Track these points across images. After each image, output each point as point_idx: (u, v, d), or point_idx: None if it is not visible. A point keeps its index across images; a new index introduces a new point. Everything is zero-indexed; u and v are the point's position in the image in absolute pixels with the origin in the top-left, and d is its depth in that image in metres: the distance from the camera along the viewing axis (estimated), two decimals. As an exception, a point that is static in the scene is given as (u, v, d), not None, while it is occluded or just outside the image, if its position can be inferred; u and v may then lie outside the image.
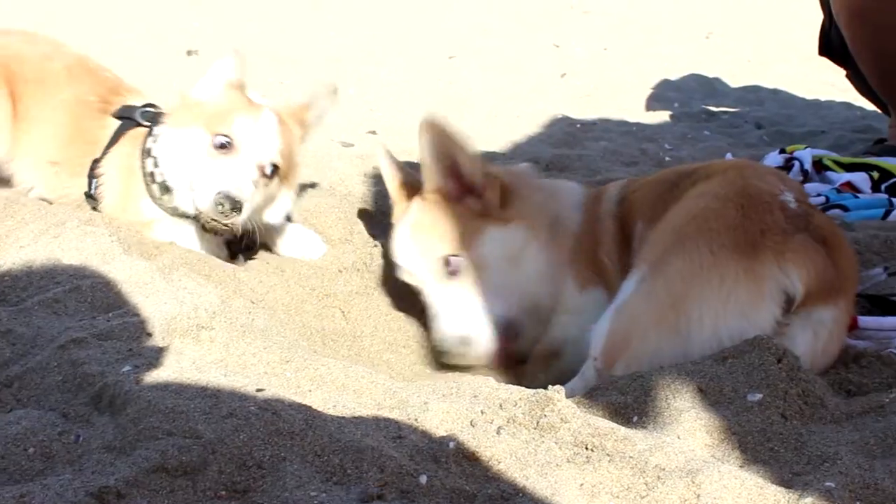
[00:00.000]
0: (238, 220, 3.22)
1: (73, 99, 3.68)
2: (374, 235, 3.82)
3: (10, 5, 11.21)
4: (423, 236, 3.22)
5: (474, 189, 3.19)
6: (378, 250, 3.69)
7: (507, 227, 3.18)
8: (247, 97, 3.38)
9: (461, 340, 3.12)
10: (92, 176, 3.56)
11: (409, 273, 3.26)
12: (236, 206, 3.16)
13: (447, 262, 3.16)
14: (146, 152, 3.46)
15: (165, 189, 3.40)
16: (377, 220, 4.02)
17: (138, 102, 3.67)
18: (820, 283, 2.50)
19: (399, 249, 3.27)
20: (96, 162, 3.56)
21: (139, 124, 3.56)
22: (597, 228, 3.19)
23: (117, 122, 3.60)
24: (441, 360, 3.18)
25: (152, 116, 3.54)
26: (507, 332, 3.16)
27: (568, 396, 2.26)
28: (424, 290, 3.24)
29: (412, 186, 3.38)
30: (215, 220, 3.30)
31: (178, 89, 3.48)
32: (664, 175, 3.25)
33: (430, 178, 3.22)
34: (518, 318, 3.17)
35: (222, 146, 3.24)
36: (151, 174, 3.42)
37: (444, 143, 3.17)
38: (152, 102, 3.68)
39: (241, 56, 3.42)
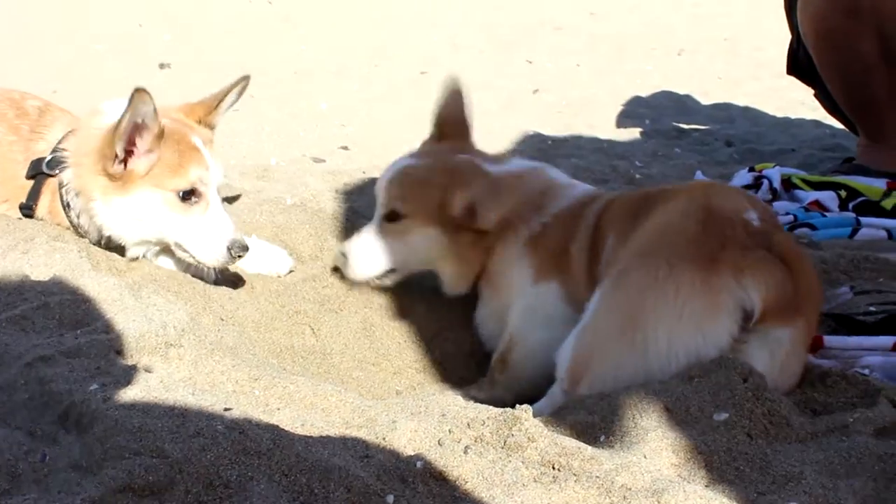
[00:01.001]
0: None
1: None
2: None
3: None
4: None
5: None
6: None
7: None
8: (161, 129, 3.30)
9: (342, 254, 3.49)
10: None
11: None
12: (246, 247, 3.28)
13: (395, 216, 3.37)
14: (66, 206, 3.46)
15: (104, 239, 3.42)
16: (348, 236, 4.02)
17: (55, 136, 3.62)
18: (778, 301, 2.48)
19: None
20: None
21: (50, 175, 3.52)
22: (576, 224, 3.20)
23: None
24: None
25: (57, 164, 3.49)
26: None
27: (535, 416, 2.27)
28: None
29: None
30: (225, 268, 3.36)
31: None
32: (640, 192, 3.27)
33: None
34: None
35: (187, 198, 3.29)
36: (77, 227, 3.46)
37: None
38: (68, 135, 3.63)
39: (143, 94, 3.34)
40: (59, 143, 3.52)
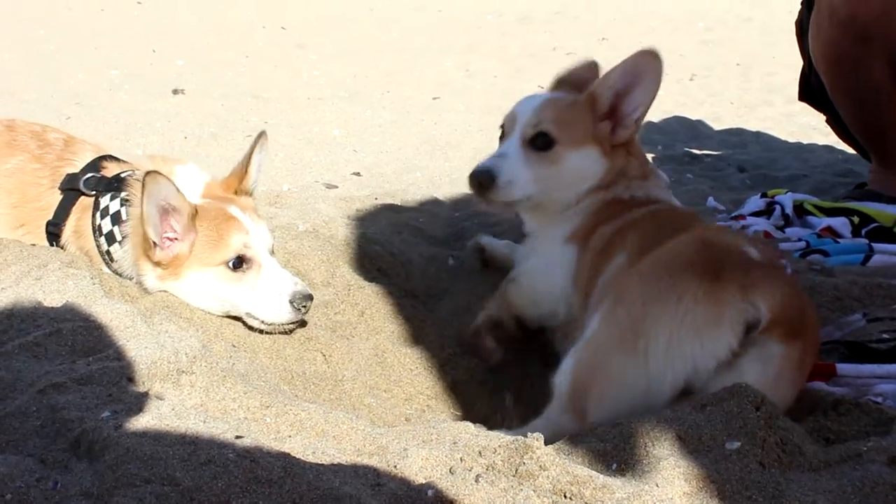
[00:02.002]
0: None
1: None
2: (356, 278, 3.82)
3: (3, 45, 11.25)
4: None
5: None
6: (361, 292, 3.69)
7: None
8: (193, 208, 3.35)
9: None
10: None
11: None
12: (310, 296, 3.35)
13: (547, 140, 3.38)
14: (98, 230, 3.50)
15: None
16: (359, 262, 4.02)
17: (84, 161, 3.70)
18: (786, 315, 2.51)
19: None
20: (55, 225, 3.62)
21: (84, 194, 3.59)
22: (616, 213, 3.29)
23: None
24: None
25: (96, 184, 3.57)
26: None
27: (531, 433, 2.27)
28: None
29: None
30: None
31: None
32: (663, 215, 3.27)
33: None
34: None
35: (238, 267, 3.34)
36: (108, 252, 3.48)
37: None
38: (98, 160, 3.69)
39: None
40: (100, 167, 3.61)
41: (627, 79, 3.34)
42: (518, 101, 3.53)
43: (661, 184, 3.49)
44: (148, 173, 3.22)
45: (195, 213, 3.29)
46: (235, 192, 3.58)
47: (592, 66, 3.74)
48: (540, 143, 3.35)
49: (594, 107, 3.37)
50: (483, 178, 3.31)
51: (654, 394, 2.51)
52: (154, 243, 3.29)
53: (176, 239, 3.30)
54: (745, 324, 2.49)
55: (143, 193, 3.20)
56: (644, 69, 3.33)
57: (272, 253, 3.45)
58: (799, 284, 2.81)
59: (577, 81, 3.63)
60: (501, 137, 3.50)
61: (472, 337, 3.48)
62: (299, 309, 3.30)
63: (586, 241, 3.29)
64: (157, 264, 3.33)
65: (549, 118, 3.35)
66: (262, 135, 3.67)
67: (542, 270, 3.40)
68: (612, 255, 3.06)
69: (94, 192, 3.53)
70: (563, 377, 2.72)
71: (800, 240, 4.45)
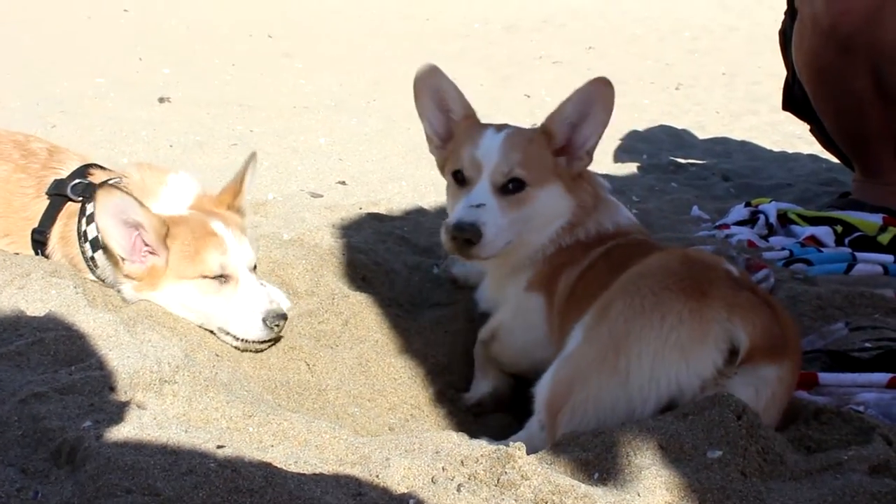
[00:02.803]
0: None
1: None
2: (340, 287, 3.82)
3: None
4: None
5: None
6: (345, 301, 3.68)
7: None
8: (161, 221, 3.33)
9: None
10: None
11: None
12: (283, 316, 3.34)
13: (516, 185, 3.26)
14: (83, 236, 3.49)
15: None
16: (344, 271, 4.02)
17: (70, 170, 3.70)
18: (766, 340, 2.48)
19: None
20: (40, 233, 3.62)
21: (71, 199, 3.59)
22: (576, 256, 3.25)
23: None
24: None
25: (83, 190, 3.57)
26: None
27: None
28: None
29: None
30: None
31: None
32: (631, 247, 3.25)
33: None
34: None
35: (221, 280, 3.34)
36: (93, 258, 3.47)
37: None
38: (86, 167, 3.70)
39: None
40: (87, 174, 3.62)
41: (581, 109, 3.28)
42: (475, 142, 3.33)
43: (616, 208, 3.45)
44: (101, 186, 3.22)
45: (165, 228, 3.27)
46: (228, 208, 3.58)
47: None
48: (512, 188, 3.24)
49: (550, 142, 3.31)
50: (472, 234, 3.13)
51: (634, 413, 2.48)
52: (122, 258, 3.29)
53: (152, 252, 3.30)
54: (730, 342, 2.47)
55: (95, 207, 3.20)
56: (597, 98, 3.27)
57: (254, 269, 3.45)
58: (776, 301, 2.78)
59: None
60: (462, 181, 3.33)
61: (473, 408, 3.37)
62: (272, 328, 3.29)
63: (551, 287, 3.26)
64: (128, 276, 3.34)
65: (518, 161, 3.23)
66: (252, 156, 3.69)
67: (518, 323, 3.37)
68: (582, 302, 2.97)
69: (80, 199, 3.53)
70: (541, 392, 2.71)
71: (783, 249, 4.48)
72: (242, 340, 3.30)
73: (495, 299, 3.50)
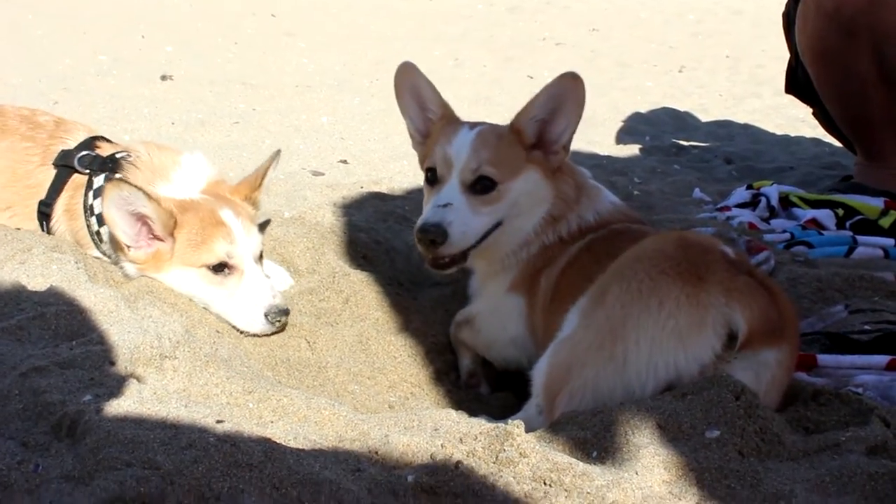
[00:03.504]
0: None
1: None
2: (341, 265, 3.83)
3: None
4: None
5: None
6: (346, 279, 3.69)
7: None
8: (169, 211, 3.31)
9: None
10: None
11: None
12: (286, 311, 3.33)
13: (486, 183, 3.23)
14: (89, 209, 3.49)
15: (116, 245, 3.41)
16: (345, 249, 4.03)
17: (78, 140, 3.70)
18: (764, 324, 2.48)
19: None
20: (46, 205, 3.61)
21: (78, 171, 3.59)
22: (556, 255, 3.24)
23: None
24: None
25: (90, 163, 3.56)
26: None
27: None
28: None
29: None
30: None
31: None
32: (615, 233, 3.24)
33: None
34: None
35: (219, 271, 3.33)
36: (98, 233, 3.47)
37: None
38: (93, 139, 3.70)
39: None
40: (94, 147, 3.63)
41: (550, 105, 3.24)
42: (448, 140, 3.30)
43: (599, 195, 3.42)
44: (108, 182, 3.22)
45: (173, 220, 3.26)
46: (244, 199, 3.57)
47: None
48: (480, 186, 3.20)
49: (521, 139, 3.27)
50: (436, 235, 3.12)
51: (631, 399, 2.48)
52: (127, 245, 3.29)
53: (157, 238, 3.30)
54: (728, 327, 2.46)
55: (103, 199, 3.20)
56: (565, 94, 3.22)
57: (260, 259, 3.44)
58: (774, 284, 2.75)
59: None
60: (433, 181, 3.32)
61: (468, 382, 3.44)
62: (273, 322, 3.29)
63: (532, 288, 3.25)
64: (132, 261, 3.34)
65: (487, 158, 3.20)
66: (277, 153, 3.71)
67: (492, 320, 3.37)
68: (566, 298, 2.94)
69: (87, 171, 3.52)
70: (538, 376, 2.71)
71: (784, 231, 4.48)
72: (242, 332, 3.30)
73: (478, 289, 3.51)
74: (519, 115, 3.28)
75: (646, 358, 2.47)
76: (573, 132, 3.30)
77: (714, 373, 2.44)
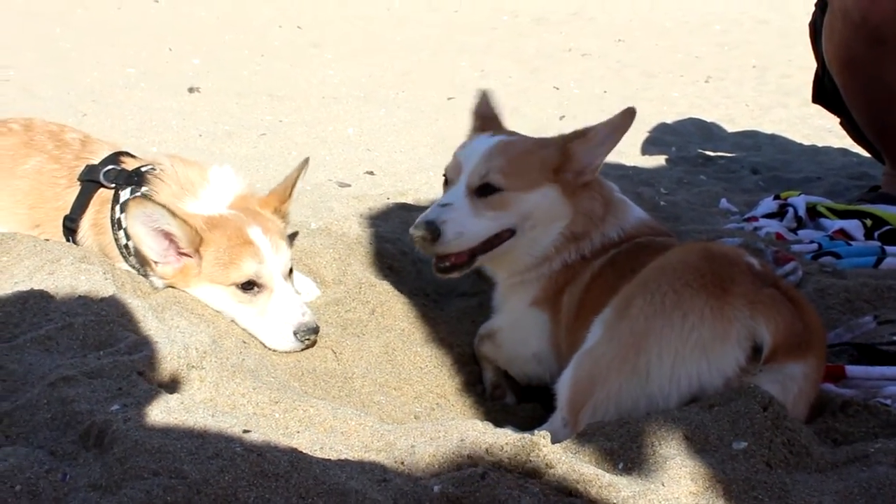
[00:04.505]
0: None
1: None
2: (367, 276, 3.83)
3: (21, 43, 11.29)
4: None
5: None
6: (372, 290, 3.69)
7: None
8: (194, 229, 3.30)
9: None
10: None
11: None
12: (315, 330, 3.32)
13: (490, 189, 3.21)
14: (117, 223, 3.50)
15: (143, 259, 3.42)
16: (371, 260, 4.04)
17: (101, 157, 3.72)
18: (789, 337, 2.46)
19: None
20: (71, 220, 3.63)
21: (103, 185, 3.60)
22: (579, 272, 3.22)
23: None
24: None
25: (115, 177, 3.58)
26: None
27: None
28: None
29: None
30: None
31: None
32: (639, 248, 3.23)
33: None
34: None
35: (248, 289, 3.33)
36: (126, 246, 3.47)
37: None
38: (117, 154, 3.72)
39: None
40: (119, 161, 3.64)
41: (607, 136, 3.24)
42: (464, 145, 3.37)
43: (625, 211, 3.38)
44: (133, 199, 3.23)
45: (199, 238, 3.26)
46: (274, 212, 3.57)
47: (487, 97, 3.69)
48: (486, 191, 3.18)
49: (564, 161, 3.25)
50: (427, 231, 3.11)
51: (642, 413, 2.46)
52: (154, 262, 3.31)
53: (185, 255, 3.31)
54: (752, 341, 2.45)
55: (127, 216, 3.22)
56: (623, 128, 3.23)
57: (289, 275, 3.44)
58: (800, 295, 2.73)
59: (488, 116, 3.60)
60: (445, 185, 3.34)
61: (493, 394, 3.42)
62: (302, 341, 3.29)
63: (556, 305, 3.23)
64: (161, 277, 3.35)
65: (497, 166, 3.18)
66: (305, 161, 3.71)
67: (514, 335, 3.36)
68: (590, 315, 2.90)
69: (114, 185, 3.54)
70: (562, 389, 2.70)
71: (812, 242, 4.45)
72: (271, 349, 3.29)
73: (500, 303, 3.49)
74: (576, 142, 3.25)
75: (669, 371, 2.46)
76: (607, 156, 3.30)
77: (741, 384, 2.42)
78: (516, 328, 3.35)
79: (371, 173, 6.35)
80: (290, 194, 3.62)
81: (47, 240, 3.59)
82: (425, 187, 5.91)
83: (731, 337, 2.44)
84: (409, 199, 5.21)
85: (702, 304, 2.47)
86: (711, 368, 2.44)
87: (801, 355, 2.50)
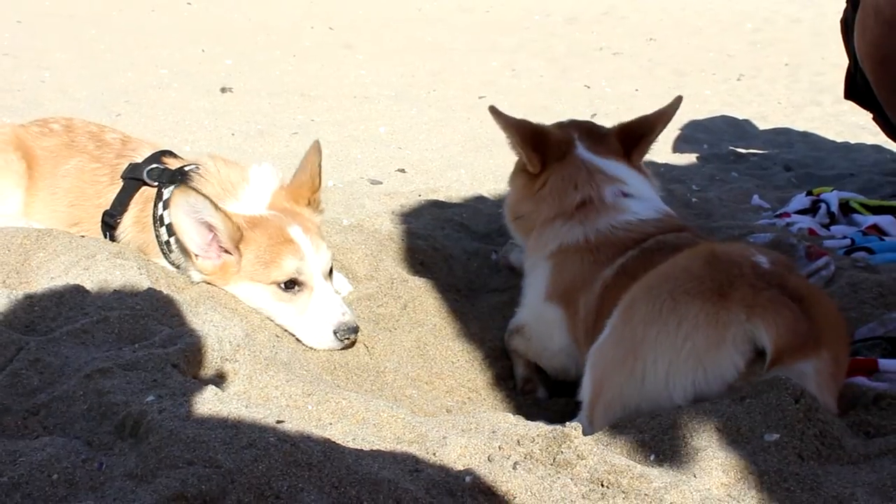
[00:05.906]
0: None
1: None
2: (399, 271, 3.85)
3: (56, 45, 11.39)
4: None
5: None
6: (404, 286, 3.71)
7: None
8: (236, 225, 3.33)
9: None
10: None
11: None
12: (355, 329, 3.32)
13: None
14: (159, 220, 3.52)
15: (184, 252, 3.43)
16: (403, 256, 4.05)
17: (143, 156, 3.76)
18: (792, 338, 2.42)
19: None
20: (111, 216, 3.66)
21: (146, 184, 3.63)
22: (594, 273, 3.20)
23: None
24: None
25: (159, 175, 3.60)
26: None
27: None
28: None
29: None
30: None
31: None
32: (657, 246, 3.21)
33: None
34: None
35: (289, 288, 3.34)
36: (167, 243, 3.49)
37: None
38: (160, 154, 3.75)
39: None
40: (162, 161, 3.67)
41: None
42: None
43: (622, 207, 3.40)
44: (178, 187, 3.25)
45: (240, 233, 3.28)
46: (308, 204, 3.58)
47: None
48: None
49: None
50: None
51: (658, 410, 2.47)
52: (195, 254, 3.33)
53: (226, 251, 3.33)
54: (752, 343, 2.43)
55: (171, 204, 3.24)
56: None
57: (329, 274, 3.45)
58: (811, 291, 2.69)
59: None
60: None
61: (525, 388, 3.44)
62: (342, 340, 3.29)
63: (570, 305, 3.23)
64: (200, 271, 3.37)
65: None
66: (316, 144, 3.69)
67: (539, 330, 3.38)
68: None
69: (157, 183, 3.57)
70: (584, 390, 2.75)
71: (845, 237, 4.43)
72: (310, 347, 3.31)
73: (523, 286, 3.54)
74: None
75: (663, 378, 2.48)
76: None
77: (735, 387, 2.42)
78: (539, 322, 3.39)
79: (402, 171, 6.37)
80: (317, 183, 3.61)
81: (83, 236, 3.63)
82: (456, 184, 5.93)
83: (727, 342, 2.43)
84: (440, 196, 5.23)
85: (696, 310, 2.48)
86: (708, 375, 2.45)
87: (811, 353, 2.47)
